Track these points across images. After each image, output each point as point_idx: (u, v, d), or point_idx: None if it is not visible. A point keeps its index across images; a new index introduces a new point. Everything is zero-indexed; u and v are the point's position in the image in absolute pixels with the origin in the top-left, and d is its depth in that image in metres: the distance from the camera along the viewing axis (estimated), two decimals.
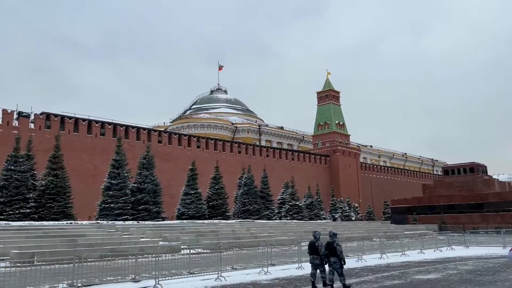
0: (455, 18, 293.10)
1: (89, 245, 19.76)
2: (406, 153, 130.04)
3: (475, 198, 67.45)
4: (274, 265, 17.71)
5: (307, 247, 12.77)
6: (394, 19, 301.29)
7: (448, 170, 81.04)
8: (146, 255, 15.36)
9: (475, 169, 75.17)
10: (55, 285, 12.27)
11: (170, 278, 13.68)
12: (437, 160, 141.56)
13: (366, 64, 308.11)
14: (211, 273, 14.86)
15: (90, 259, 15.68)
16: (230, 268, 16.08)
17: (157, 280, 12.54)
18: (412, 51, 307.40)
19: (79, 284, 12.00)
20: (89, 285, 12.55)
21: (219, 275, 14.30)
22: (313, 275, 12.10)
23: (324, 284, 11.98)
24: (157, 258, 13.06)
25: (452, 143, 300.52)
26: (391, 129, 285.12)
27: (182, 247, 20.31)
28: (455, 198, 69.50)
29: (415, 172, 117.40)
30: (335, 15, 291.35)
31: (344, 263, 11.85)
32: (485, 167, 79.64)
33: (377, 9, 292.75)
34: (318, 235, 12.44)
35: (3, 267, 15.16)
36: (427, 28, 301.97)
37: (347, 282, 12.16)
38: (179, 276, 14.23)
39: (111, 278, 13.38)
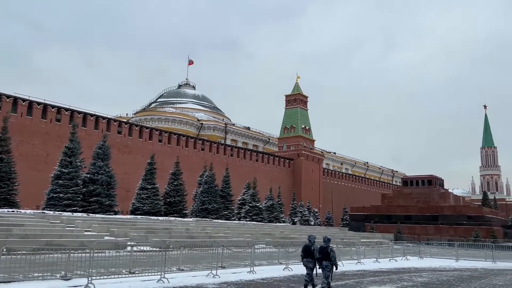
0: (425, 34, 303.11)
1: (24, 236, 18.06)
2: (368, 162, 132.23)
3: (431, 210, 68.97)
4: (224, 267, 16.72)
5: (300, 250, 12.88)
6: (368, 30, 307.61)
7: (407, 181, 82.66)
8: (82, 251, 13.95)
9: (432, 182, 76.92)
10: None
11: (106, 277, 12.40)
12: (397, 171, 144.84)
13: (336, 72, 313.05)
14: (154, 273, 13.65)
15: (21, 252, 14.16)
16: (176, 269, 14.94)
17: (89, 279, 11.23)
18: (383, 62, 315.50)
19: None
20: (9, 282, 11.07)
21: (162, 276, 13.13)
22: (308, 275, 12.33)
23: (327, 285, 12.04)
24: (91, 254, 11.71)
25: (413, 155, 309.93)
26: (356, 137, 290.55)
27: (128, 243, 18.93)
28: (412, 209, 70.81)
29: (375, 181, 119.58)
30: (310, 21, 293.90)
31: (337, 268, 12.10)
32: (442, 180, 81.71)
33: (352, 18, 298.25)
34: (313, 239, 12.65)
35: None
36: (399, 41, 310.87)
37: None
38: (118, 276, 12.93)
39: (38, 274, 11.91)
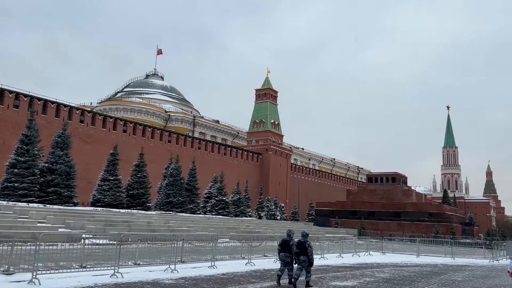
0: (394, 36, 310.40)
1: None
2: (334, 159, 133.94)
3: (394, 206, 70.56)
4: (184, 262, 16.19)
5: (277, 245, 13.15)
6: (338, 28, 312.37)
7: (372, 178, 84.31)
8: (30, 244, 13.00)
9: (396, 179, 78.75)
10: None
11: (54, 271, 11.59)
12: (362, 168, 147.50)
13: (306, 68, 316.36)
14: (108, 268, 12.92)
15: None
16: (132, 264, 14.28)
17: (34, 273, 10.42)
18: (352, 60, 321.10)
19: None
20: None
21: (116, 271, 12.39)
22: (281, 270, 12.52)
23: (290, 282, 12.21)
24: (37, 247, 10.88)
25: (378, 152, 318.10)
26: (324, 133, 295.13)
27: (84, 236, 17.96)
28: (376, 205, 72.23)
29: (341, 177, 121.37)
30: (282, 16, 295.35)
31: (312, 264, 12.20)
32: (406, 177, 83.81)
33: (323, 16, 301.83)
34: (292, 234, 12.82)
35: None
36: (368, 41, 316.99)
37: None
38: (67, 270, 12.11)
39: None
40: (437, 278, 17.12)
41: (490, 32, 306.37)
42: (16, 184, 32.28)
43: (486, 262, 28.43)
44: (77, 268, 12.63)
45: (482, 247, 35.55)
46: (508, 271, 11.41)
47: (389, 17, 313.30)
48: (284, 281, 12.59)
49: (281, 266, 12.58)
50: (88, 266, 13.04)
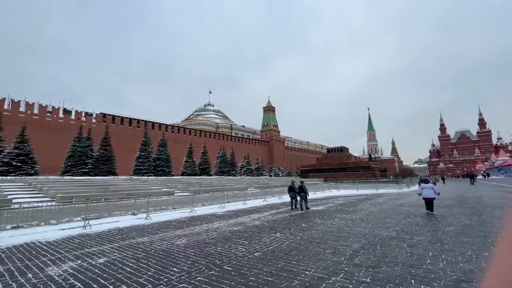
0: (339, 72, 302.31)
1: (115, 190, 16.81)
2: (309, 141, 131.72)
3: (342, 164, 68.86)
4: (229, 202, 15.83)
5: (287, 189, 13.02)
6: (306, 69, 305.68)
7: (330, 150, 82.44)
8: (144, 197, 12.91)
9: (343, 150, 76.74)
10: (75, 218, 9.65)
11: (158, 212, 11.42)
12: (324, 145, 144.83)
13: (290, 93, 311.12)
14: (188, 208, 12.70)
15: (113, 199, 13.04)
16: (201, 205, 14.00)
17: (147, 213, 10.26)
18: (315, 88, 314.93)
19: (91, 217, 9.47)
20: (98, 218, 10.02)
21: (192, 209, 12.16)
22: (292, 202, 12.29)
23: (295, 207, 12.10)
24: (148, 199, 10.73)
25: (334, 136, 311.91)
26: (303, 128, 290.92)
27: (175, 191, 17.87)
28: (332, 165, 70.65)
29: (313, 151, 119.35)
30: (275, 65, 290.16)
31: (308, 196, 12.12)
32: (348, 148, 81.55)
33: (299, 63, 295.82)
34: (294, 182, 12.85)
35: (49, 205, 12.19)
36: (325, 75, 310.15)
37: (308, 205, 12.77)
38: (165, 211, 11.95)
39: (118, 213, 10.89)
40: (369, 201, 16.36)
41: (388, 66, 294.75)
42: (140, 167, 32.52)
43: (395, 191, 27.29)
44: (171, 210, 12.49)
45: (392, 183, 34.21)
46: (418, 194, 10.57)
47: (336, 60, 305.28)
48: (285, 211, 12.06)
49: (290, 200, 12.42)
50: (177, 208, 12.87)
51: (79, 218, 9.60)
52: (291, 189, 12.49)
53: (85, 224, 8.76)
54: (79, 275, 4.53)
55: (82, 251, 6.04)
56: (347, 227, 7.82)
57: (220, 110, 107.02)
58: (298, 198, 12.49)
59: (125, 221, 9.78)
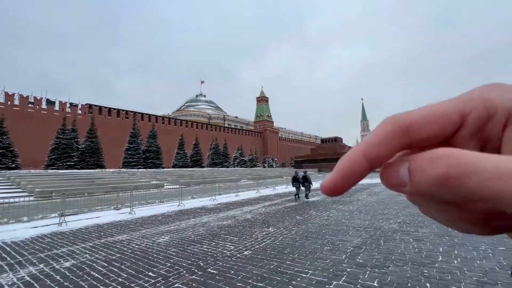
0: (331, 61, 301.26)
1: (100, 183, 15.98)
2: (302, 132, 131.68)
3: (336, 155, 68.93)
4: (220, 194, 15.24)
5: (291, 179, 13.10)
6: (300, 61, 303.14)
7: (324, 140, 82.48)
8: (126, 190, 12.18)
9: (337, 140, 76.90)
10: (49, 214, 8.87)
11: (143, 206, 10.72)
12: (318, 136, 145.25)
13: (284, 84, 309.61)
14: (176, 201, 12.05)
15: (97, 193, 12.25)
16: (190, 198, 13.36)
17: (131, 208, 9.55)
18: (308, 79, 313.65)
19: (69, 213, 8.71)
20: (77, 214, 9.26)
21: (180, 202, 11.51)
22: (296, 192, 12.49)
23: (306, 197, 12.30)
24: (132, 192, 9.98)
25: (328, 126, 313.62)
26: (296, 118, 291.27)
27: (164, 184, 17.16)
28: (326, 155, 70.69)
29: (307, 142, 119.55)
30: (268, 56, 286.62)
31: (311, 186, 12.41)
32: (341, 138, 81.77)
33: (292, 54, 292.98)
34: (298, 173, 12.89)
35: (23, 201, 11.32)
36: (317, 66, 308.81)
37: (309, 195, 13.20)
38: (151, 204, 11.27)
39: (99, 207, 10.15)
40: (365, 191, 16.09)
41: (383, 58, 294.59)
42: (129, 159, 31.57)
43: None
44: (158, 203, 11.81)
45: None
46: None
47: (328, 50, 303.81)
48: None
49: (295, 190, 12.58)
50: (165, 201, 12.20)
51: (55, 215, 8.83)
52: (295, 179, 12.55)
53: (61, 221, 8.01)
54: (35, 284, 3.85)
55: (49, 253, 5.34)
56: (345, 219, 7.33)
57: (212, 101, 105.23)
58: (302, 188, 12.58)
59: (106, 216, 9.07)
